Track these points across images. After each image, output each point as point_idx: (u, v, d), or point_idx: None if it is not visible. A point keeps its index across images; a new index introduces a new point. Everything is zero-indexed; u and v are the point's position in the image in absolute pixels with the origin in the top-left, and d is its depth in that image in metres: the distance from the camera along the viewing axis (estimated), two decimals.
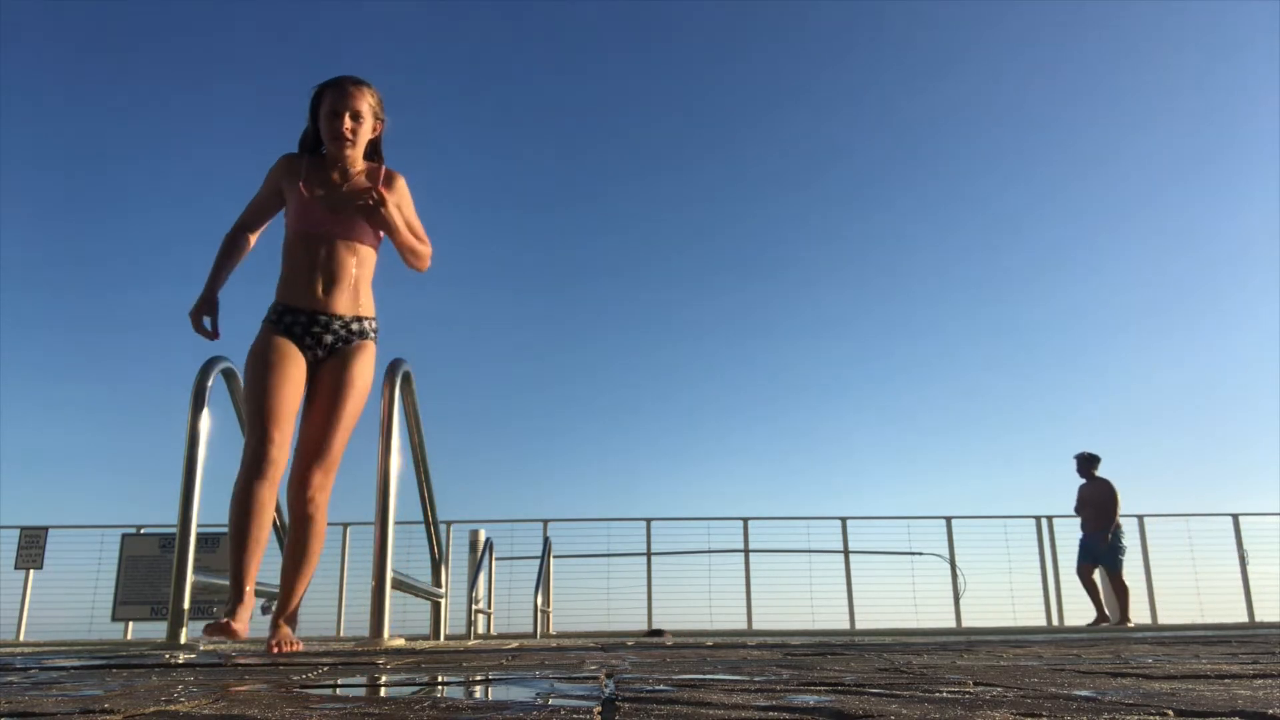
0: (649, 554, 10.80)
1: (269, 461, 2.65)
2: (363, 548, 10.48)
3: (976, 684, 0.93)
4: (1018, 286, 19.14)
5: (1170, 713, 0.67)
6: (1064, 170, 19.38)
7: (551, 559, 9.26)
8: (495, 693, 0.99)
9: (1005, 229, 19.46)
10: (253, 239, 3.05)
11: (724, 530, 11.06)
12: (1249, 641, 2.08)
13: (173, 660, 1.80)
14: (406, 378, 3.51)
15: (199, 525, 2.96)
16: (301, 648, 2.70)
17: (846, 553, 11.05)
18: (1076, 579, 9.09)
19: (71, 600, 10.25)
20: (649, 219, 19.39)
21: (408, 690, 1.06)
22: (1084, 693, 0.83)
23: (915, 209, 19.50)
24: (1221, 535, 11.36)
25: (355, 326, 2.86)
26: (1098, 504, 8.94)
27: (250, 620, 2.63)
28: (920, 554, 11.12)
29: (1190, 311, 18.97)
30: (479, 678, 1.16)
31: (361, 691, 1.06)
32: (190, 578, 2.85)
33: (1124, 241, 19.30)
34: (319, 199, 2.87)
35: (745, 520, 11.15)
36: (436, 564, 4.31)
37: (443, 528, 5.32)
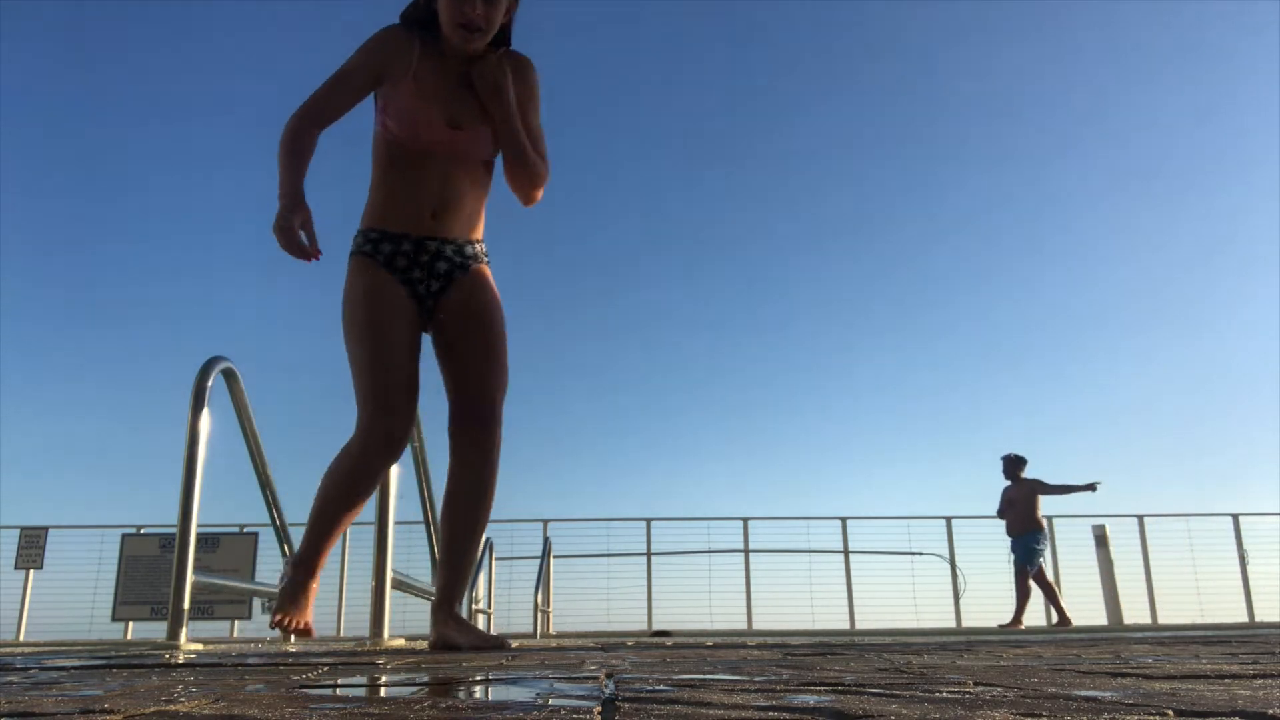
0: (649, 554, 10.81)
1: (399, 443, 2.31)
2: (363, 548, 10.47)
3: (976, 684, 0.93)
4: (1018, 286, 19.15)
5: (1170, 713, 0.67)
6: (1065, 169, 19.38)
7: (551, 559, 9.26)
8: (495, 693, 0.99)
9: (1005, 228, 19.46)
10: (316, 139, 2.39)
11: (724, 530, 11.07)
12: (1249, 641, 2.08)
13: (173, 660, 1.80)
14: None
15: (199, 525, 2.95)
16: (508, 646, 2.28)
17: (846, 553, 11.05)
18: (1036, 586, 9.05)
19: (71, 600, 10.27)
20: (646, 217, 19.39)
21: (408, 690, 1.06)
22: (1084, 693, 0.83)
23: (915, 208, 19.51)
24: (1221, 535, 11.37)
25: (469, 250, 2.38)
26: (1021, 506, 8.93)
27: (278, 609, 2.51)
28: (920, 554, 11.13)
29: (1190, 311, 18.97)
30: (479, 678, 1.16)
31: (361, 691, 1.06)
32: (190, 578, 2.84)
33: (1124, 241, 19.31)
34: (436, 107, 2.31)
35: (745, 520, 11.15)
36: (436, 564, 4.31)
37: None
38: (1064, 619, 8.77)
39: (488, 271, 2.44)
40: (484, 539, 2.41)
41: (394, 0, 2.43)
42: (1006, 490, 9.10)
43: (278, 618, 2.35)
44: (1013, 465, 9.07)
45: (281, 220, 2.25)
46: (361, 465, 2.32)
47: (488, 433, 2.34)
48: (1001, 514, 9.15)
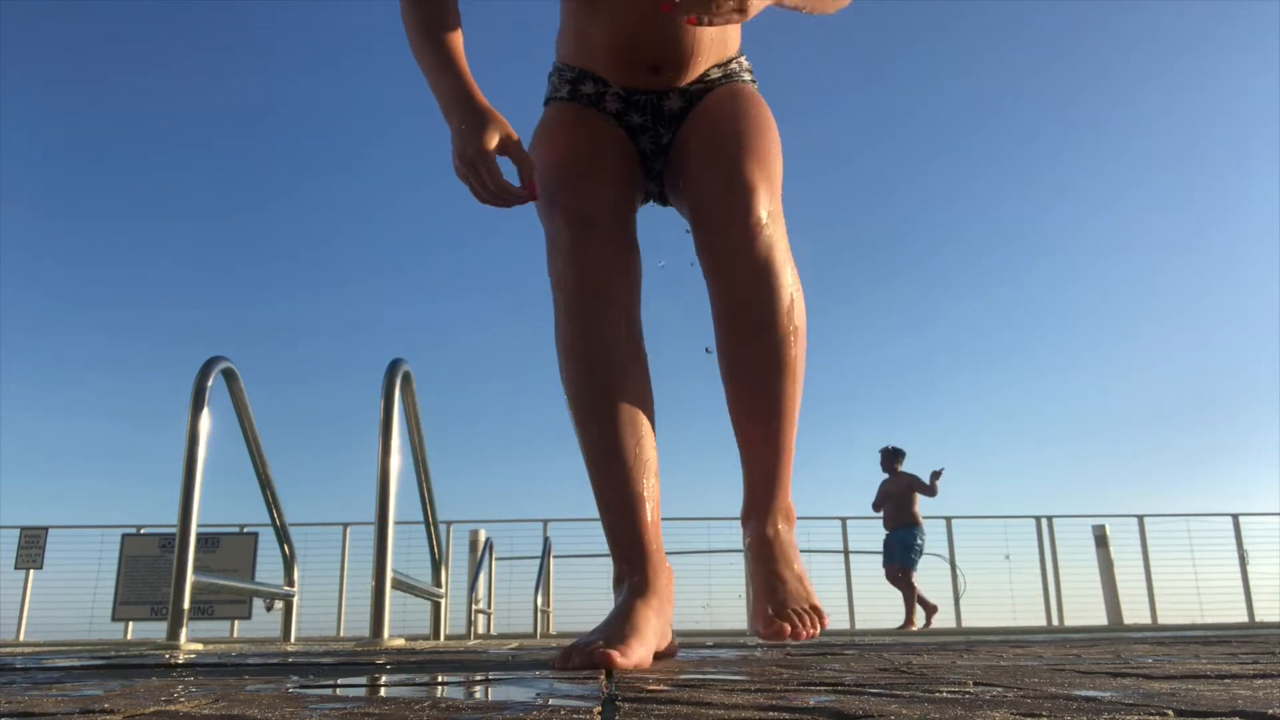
0: None
1: (597, 229, 1.46)
2: (363, 548, 10.48)
3: (976, 684, 0.93)
4: (1018, 285, 19.15)
5: (1170, 713, 0.67)
6: (1065, 167, 19.38)
7: (551, 559, 9.27)
8: (495, 693, 0.99)
9: (1004, 227, 19.46)
10: (455, 3, 1.59)
11: (724, 530, 11.06)
12: (1249, 641, 2.08)
13: (173, 660, 1.80)
14: (406, 378, 3.51)
15: (199, 525, 2.95)
16: (822, 626, 1.47)
17: (846, 553, 11.05)
18: (930, 582, 8.85)
19: (71, 600, 10.28)
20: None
21: (408, 690, 1.06)
22: (1084, 693, 0.83)
23: (913, 209, 19.51)
24: (1221, 535, 11.37)
25: (714, 73, 1.62)
26: (897, 500, 8.74)
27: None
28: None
29: (1190, 310, 18.97)
30: (479, 678, 1.16)
31: (361, 691, 1.06)
32: (190, 578, 2.84)
33: (1124, 240, 19.31)
34: None
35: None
36: (436, 564, 4.32)
37: (443, 528, 5.32)
38: (909, 621, 8.54)
39: (746, 88, 1.64)
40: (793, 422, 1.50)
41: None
42: (884, 483, 8.89)
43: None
44: (890, 458, 8.86)
45: (457, 149, 1.45)
46: (560, 298, 1.47)
47: (743, 241, 1.42)
48: (877, 507, 8.97)
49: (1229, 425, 18.17)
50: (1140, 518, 11.25)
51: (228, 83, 19.06)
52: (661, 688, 0.94)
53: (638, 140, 1.61)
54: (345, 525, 10.60)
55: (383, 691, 1.06)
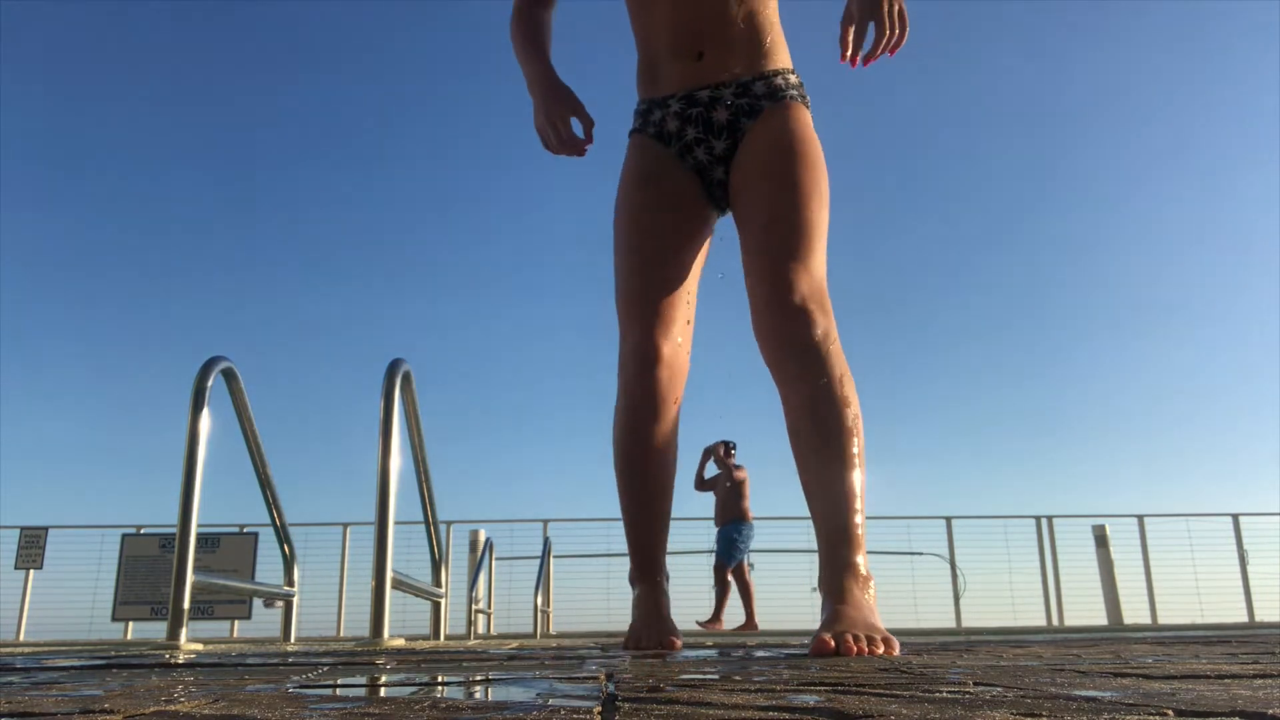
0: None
1: (650, 361, 1.79)
2: (363, 548, 10.48)
3: (976, 684, 0.93)
4: (1017, 285, 19.15)
5: (1170, 713, 0.67)
6: (1065, 165, 19.38)
7: (551, 559, 9.26)
8: (495, 693, 0.99)
9: (1004, 227, 19.46)
10: (549, 15, 2.03)
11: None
12: (1249, 641, 2.08)
13: (173, 660, 1.80)
14: (406, 378, 3.51)
15: (199, 525, 2.95)
16: (896, 649, 1.42)
17: None
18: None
19: (71, 600, 10.28)
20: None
21: (408, 690, 1.06)
22: (1084, 693, 0.83)
23: (912, 207, 19.50)
24: (1221, 535, 11.37)
25: (759, 87, 1.81)
26: (724, 495, 8.49)
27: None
28: (920, 554, 11.12)
29: (1190, 310, 18.97)
30: (479, 678, 1.16)
31: (361, 691, 1.06)
32: (190, 578, 2.84)
33: (1124, 239, 19.31)
34: None
35: None
36: (436, 564, 4.31)
37: (443, 528, 5.32)
38: (751, 623, 8.33)
39: (794, 110, 1.80)
40: (863, 466, 1.62)
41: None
42: (716, 477, 8.63)
43: (626, 642, 1.85)
44: (725, 451, 8.58)
45: (537, 116, 1.89)
46: (622, 401, 1.83)
47: (793, 329, 1.62)
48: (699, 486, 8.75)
49: (1229, 425, 18.18)
50: (1140, 518, 11.25)
51: (229, 81, 19.07)
52: (661, 687, 0.94)
53: (695, 153, 1.85)
54: (345, 525, 10.60)
55: (383, 691, 1.06)
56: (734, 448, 8.55)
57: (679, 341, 1.87)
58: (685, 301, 1.88)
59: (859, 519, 1.60)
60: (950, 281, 19.14)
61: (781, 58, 1.86)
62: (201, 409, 2.99)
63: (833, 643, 1.39)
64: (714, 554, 8.45)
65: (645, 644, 1.82)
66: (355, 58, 19.70)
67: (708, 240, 1.93)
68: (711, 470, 8.61)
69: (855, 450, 1.63)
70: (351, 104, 19.35)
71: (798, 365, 1.63)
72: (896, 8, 1.67)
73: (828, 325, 1.65)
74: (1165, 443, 17.11)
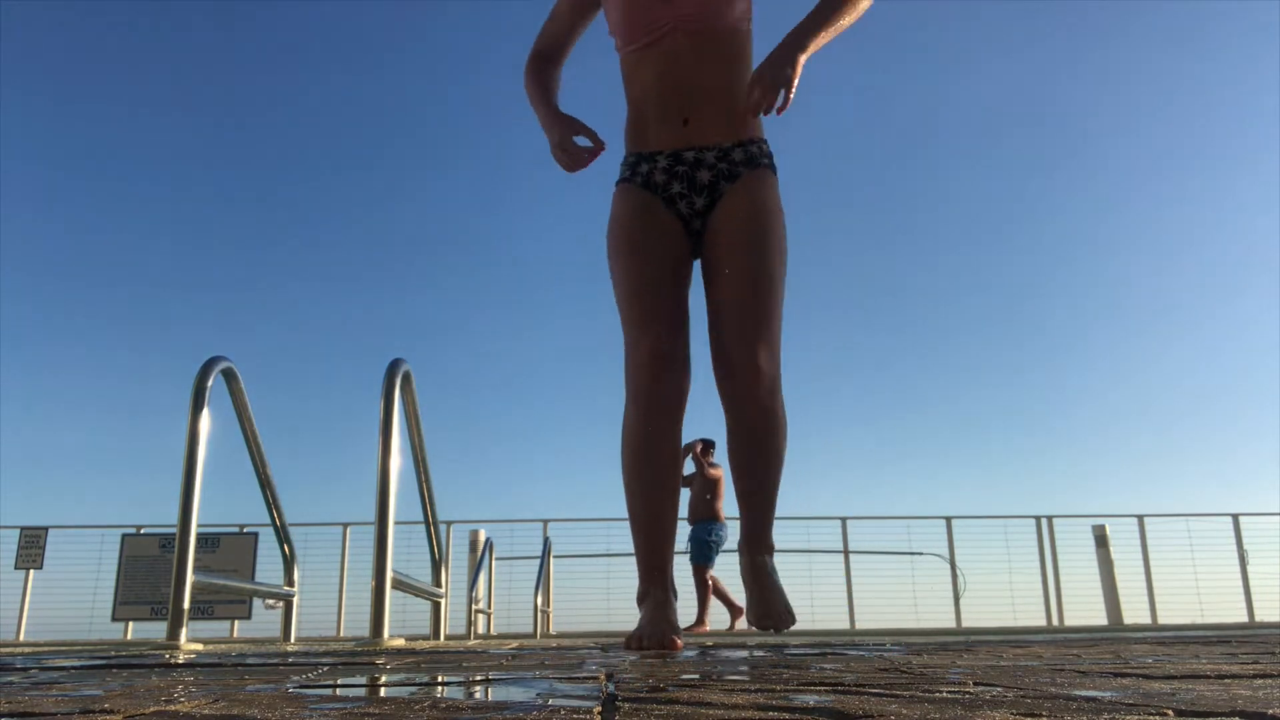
0: None
1: (664, 359, 1.95)
2: (363, 548, 10.48)
3: (976, 684, 0.93)
4: (1017, 285, 19.15)
5: (1170, 713, 0.67)
6: (1064, 164, 19.39)
7: (551, 559, 9.26)
8: (495, 693, 0.99)
9: (1004, 227, 19.46)
10: (558, 72, 2.27)
11: (721, 531, 11.05)
12: (1249, 641, 2.08)
13: (173, 660, 1.80)
14: (406, 378, 3.51)
15: (199, 525, 2.95)
16: (794, 620, 2.04)
17: (846, 553, 11.04)
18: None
19: (71, 600, 10.28)
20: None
21: (408, 690, 1.06)
22: (1084, 693, 0.83)
23: (912, 206, 19.51)
24: (1221, 535, 11.36)
25: (738, 154, 2.05)
26: (699, 494, 8.41)
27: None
28: (920, 554, 11.12)
29: (1190, 310, 18.98)
30: (479, 678, 1.16)
31: (361, 691, 1.06)
32: (190, 578, 2.84)
33: (1124, 239, 19.31)
34: None
35: None
36: (436, 564, 4.31)
37: (443, 528, 5.32)
38: (700, 622, 8.23)
39: (766, 179, 2.06)
40: (777, 487, 2.10)
41: None
42: (690, 475, 8.50)
43: (632, 643, 1.92)
44: (709, 447, 8.49)
45: (552, 150, 2.11)
46: (630, 407, 1.98)
47: (746, 393, 1.97)
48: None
49: (1229, 425, 18.18)
50: (1140, 518, 11.24)
51: (229, 81, 19.08)
52: (662, 687, 0.94)
53: (678, 206, 2.07)
54: (345, 525, 10.60)
55: (383, 691, 1.06)
56: (712, 446, 8.49)
57: (682, 346, 2.03)
58: (683, 309, 2.06)
59: (773, 514, 2.13)
60: (950, 281, 19.16)
61: (757, 127, 2.11)
62: (201, 409, 2.99)
63: (772, 627, 2.02)
64: (688, 555, 8.35)
65: (648, 643, 1.90)
66: (357, 57, 19.70)
67: (691, 269, 2.13)
68: (689, 468, 8.56)
69: (778, 483, 2.11)
70: (353, 104, 19.36)
71: (751, 420, 2.02)
72: (787, 77, 1.90)
73: (778, 389, 2.01)
74: (1165, 443, 17.12)
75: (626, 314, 2.01)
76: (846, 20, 1.99)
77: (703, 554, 8.31)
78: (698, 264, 2.14)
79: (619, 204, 2.11)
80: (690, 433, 8.52)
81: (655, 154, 2.08)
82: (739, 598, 8.32)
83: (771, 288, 2.00)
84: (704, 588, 8.40)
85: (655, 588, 2.02)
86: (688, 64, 2.03)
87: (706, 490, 8.43)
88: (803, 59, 1.91)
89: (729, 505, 8.51)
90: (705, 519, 8.35)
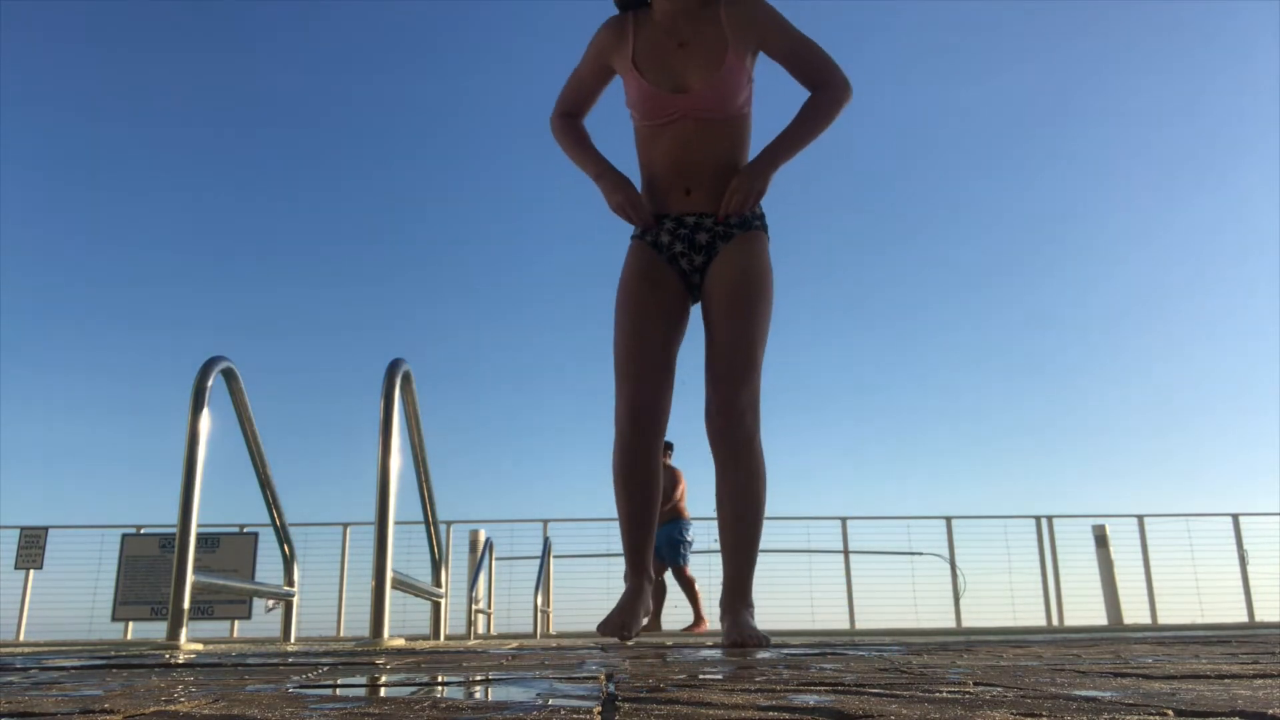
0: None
1: (641, 411, 2.31)
2: (363, 548, 10.48)
3: (976, 684, 0.93)
4: (1017, 285, 19.15)
5: (1170, 713, 0.67)
6: (1063, 165, 19.38)
7: (551, 559, 9.26)
8: (495, 693, 0.99)
9: (1004, 228, 19.46)
10: (581, 122, 2.56)
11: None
12: (1249, 641, 2.08)
13: (173, 660, 1.80)
14: (406, 378, 3.51)
15: (199, 525, 2.95)
16: (769, 643, 2.17)
17: (846, 553, 11.04)
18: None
19: (71, 600, 10.26)
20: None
21: (408, 690, 1.06)
22: (1084, 693, 0.83)
23: (910, 207, 19.51)
24: (1221, 535, 11.36)
25: (734, 218, 2.35)
26: (667, 491, 8.50)
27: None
28: (920, 554, 11.12)
29: (1190, 310, 18.97)
30: (479, 678, 1.16)
31: (361, 691, 1.06)
32: (190, 578, 2.84)
33: (1123, 239, 19.32)
34: (657, 79, 2.31)
35: None
36: (436, 564, 4.31)
37: (443, 528, 5.32)
38: (699, 621, 8.34)
39: (757, 238, 2.36)
40: (760, 535, 2.36)
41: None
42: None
43: (602, 627, 2.36)
44: (667, 449, 8.64)
45: (612, 199, 2.39)
46: (617, 440, 2.34)
47: (727, 430, 2.27)
48: None
49: (1229, 425, 18.17)
50: (1140, 518, 11.24)
51: (231, 80, 19.08)
52: (661, 687, 0.94)
53: (679, 263, 2.38)
54: (345, 525, 10.60)
55: (383, 691, 1.06)
56: (670, 448, 8.63)
57: (662, 397, 2.36)
58: (667, 366, 2.38)
59: (752, 570, 2.33)
60: (951, 281, 19.15)
61: None
62: (201, 409, 2.99)
63: (739, 641, 2.15)
64: (656, 556, 8.43)
65: (610, 628, 2.33)
66: (359, 56, 19.70)
67: (686, 320, 2.44)
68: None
69: (758, 529, 2.34)
70: (353, 105, 19.36)
71: (731, 456, 2.28)
72: (759, 190, 2.33)
73: (754, 428, 2.28)
74: (1165, 443, 17.11)
75: (619, 367, 2.35)
76: (819, 133, 2.36)
77: (675, 553, 8.42)
78: (698, 307, 2.45)
79: (631, 260, 2.41)
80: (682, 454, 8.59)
81: (662, 218, 2.39)
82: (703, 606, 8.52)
83: (755, 338, 2.29)
84: (689, 586, 8.48)
85: (632, 576, 2.41)
86: (694, 145, 2.33)
87: (666, 490, 8.51)
88: (773, 174, 2.33)
89: (693, 505, 8.58)
90: (671, 519, 8.46)
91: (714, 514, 2.43)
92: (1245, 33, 18.43)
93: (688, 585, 8.46)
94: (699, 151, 2.32)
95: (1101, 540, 10.54)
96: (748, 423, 2.27)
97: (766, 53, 2.35)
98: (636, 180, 2.46)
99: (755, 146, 2.42)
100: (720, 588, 2.36)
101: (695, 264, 2.36)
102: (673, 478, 8.58)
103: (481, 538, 9.29)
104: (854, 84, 2.36)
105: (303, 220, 18.69)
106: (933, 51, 19.84)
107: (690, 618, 8.44)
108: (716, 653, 1.80)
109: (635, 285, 2.37)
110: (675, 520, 8.45)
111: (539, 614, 7.63)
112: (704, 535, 8.71)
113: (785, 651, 1.79)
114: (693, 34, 2.30)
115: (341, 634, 10.07)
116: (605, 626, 2.35)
